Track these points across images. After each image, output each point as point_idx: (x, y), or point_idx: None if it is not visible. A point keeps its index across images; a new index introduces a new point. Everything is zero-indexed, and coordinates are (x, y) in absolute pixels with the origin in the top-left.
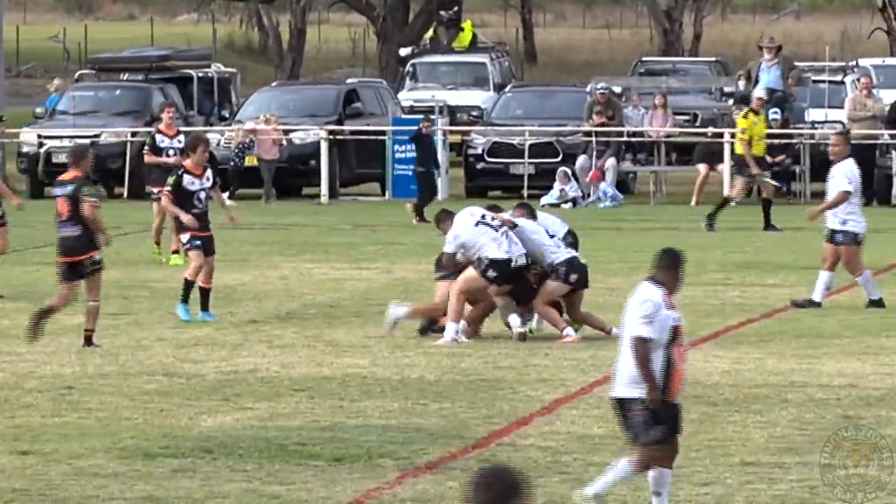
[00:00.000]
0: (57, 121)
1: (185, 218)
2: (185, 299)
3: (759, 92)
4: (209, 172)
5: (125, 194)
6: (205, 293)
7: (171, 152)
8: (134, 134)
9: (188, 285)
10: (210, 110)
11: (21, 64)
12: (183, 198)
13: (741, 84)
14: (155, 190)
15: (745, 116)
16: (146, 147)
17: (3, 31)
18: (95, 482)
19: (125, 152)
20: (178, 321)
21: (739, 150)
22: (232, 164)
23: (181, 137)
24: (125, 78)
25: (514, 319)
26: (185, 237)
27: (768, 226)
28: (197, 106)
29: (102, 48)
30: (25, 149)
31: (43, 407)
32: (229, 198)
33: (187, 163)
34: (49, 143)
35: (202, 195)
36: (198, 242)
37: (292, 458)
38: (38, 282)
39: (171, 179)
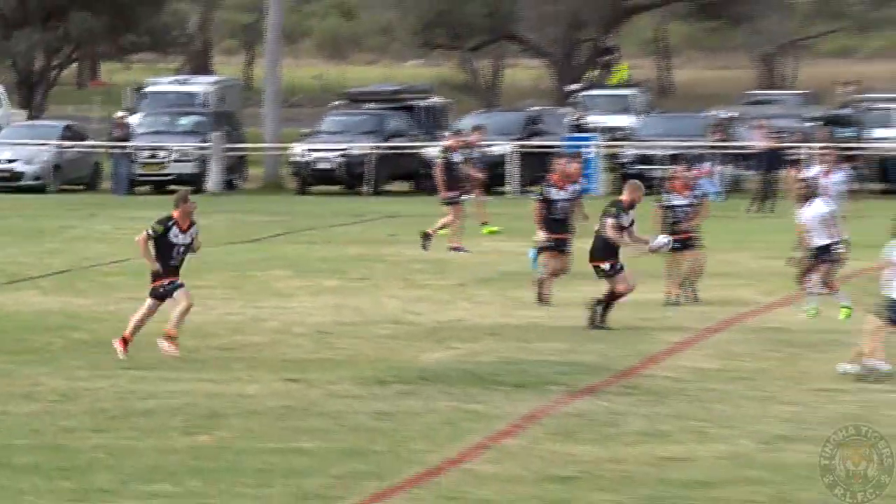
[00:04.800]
0: (317, 138)
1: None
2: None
3: None
4: (193, 228)
5: (371, 190)
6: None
7: (181, 249)
8: (373, 148)
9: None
10: (430, 132)
11: (292, 97)
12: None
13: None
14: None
15: None
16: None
17: (282, 71)
18: (344, 401)
19: (364, 161)
20: (406, 283)
21: None
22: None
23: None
24: (368, 107)
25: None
26: (542, 234)
27: None
28: (420, 128)
29: (352, 84)
30: (295, 158)
31: (306, 346)
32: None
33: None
34: (313, 155)
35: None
36: (551, 244)
37: (486, 385)
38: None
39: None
